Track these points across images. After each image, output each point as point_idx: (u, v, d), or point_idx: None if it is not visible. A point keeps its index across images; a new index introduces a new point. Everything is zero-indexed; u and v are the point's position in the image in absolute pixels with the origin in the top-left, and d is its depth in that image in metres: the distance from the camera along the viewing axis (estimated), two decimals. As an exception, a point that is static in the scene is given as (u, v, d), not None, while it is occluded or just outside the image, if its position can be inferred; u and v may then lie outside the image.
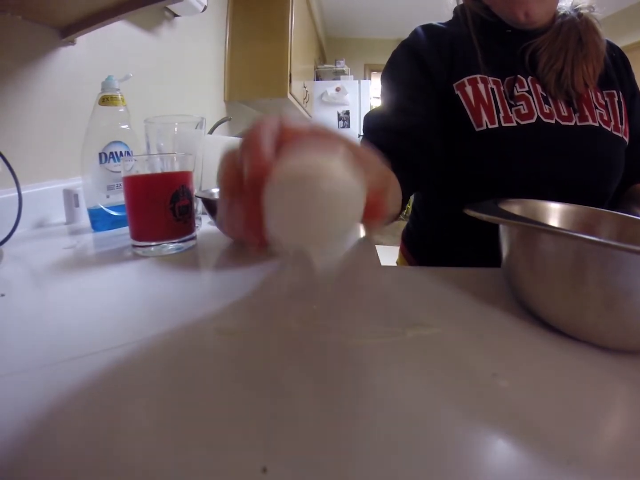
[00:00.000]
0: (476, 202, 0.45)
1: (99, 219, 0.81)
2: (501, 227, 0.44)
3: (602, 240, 0.30)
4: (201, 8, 1.89)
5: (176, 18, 1.90)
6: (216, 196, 0.73)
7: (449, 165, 0.79)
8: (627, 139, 0.77)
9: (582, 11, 0.82)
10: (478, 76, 0.79)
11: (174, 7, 1.78)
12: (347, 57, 5.39)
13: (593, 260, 0.33)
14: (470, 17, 0.86)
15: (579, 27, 0.80)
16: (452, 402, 0.28)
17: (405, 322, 0.40)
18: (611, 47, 0.85)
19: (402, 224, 1.15)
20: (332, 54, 5.77)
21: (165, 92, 1.83)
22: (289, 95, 2.59)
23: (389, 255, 1.06)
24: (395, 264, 1.12)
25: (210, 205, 0.66)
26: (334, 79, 4.75)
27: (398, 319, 0.41)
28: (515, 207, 0.51)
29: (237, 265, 0.58)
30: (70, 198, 0.90)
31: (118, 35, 1.38)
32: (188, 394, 0.29)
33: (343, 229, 0.28)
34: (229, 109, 2.58)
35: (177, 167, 0.65)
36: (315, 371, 0.32)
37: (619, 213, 0.53)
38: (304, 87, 3.28)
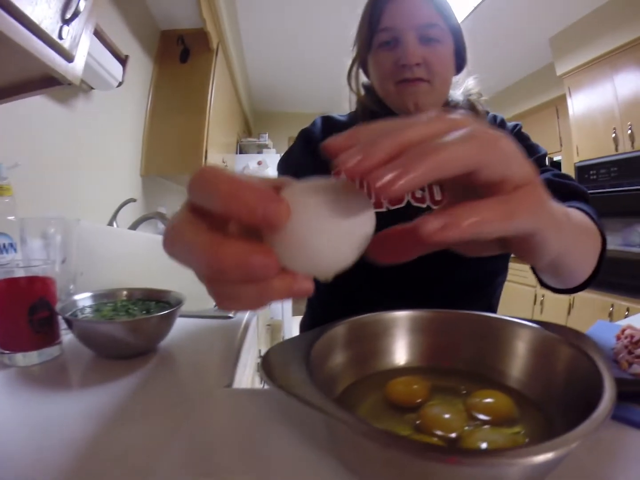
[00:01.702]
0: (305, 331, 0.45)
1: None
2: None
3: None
4: (115, 84, 1.90)
5: (93, 90, 1.89)
6: (79, 304, 0.72)
7: None
8: None
9: (470, 97, 0.89)
10: None
11: (89, 81, 1.78)
12: (272, 131, 5.54)
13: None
14: (360, 111, 0.93)
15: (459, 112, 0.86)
16: None
17: (196, 470, 0.38)
18: (492, 124, 0.90)
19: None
20: (258, 127, 5.93)
21: (79, 166, 1.79)
22: (204, 172, 2.59)
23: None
24: None
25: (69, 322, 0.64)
26: (258, 153, 4.85)
27: (193, 464, 0.38)
28: (340, 329, 0.48)
29: (103, 380, 0.57)
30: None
31: (30, 106, 1.35)
32: None
33: (364, 241, 0.28)
34: (145, 184, 2.55)
35: (40, 273, 0.63)
36: None
37: (479, 313, 0.52)
38: (223, 161, 3.32)
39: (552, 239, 0.32)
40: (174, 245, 0.27)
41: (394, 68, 0.81)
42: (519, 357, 0.46)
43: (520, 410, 0.41)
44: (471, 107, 0.88)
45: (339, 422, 0.28)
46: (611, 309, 2.90)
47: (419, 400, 0.43)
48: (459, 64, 0.91)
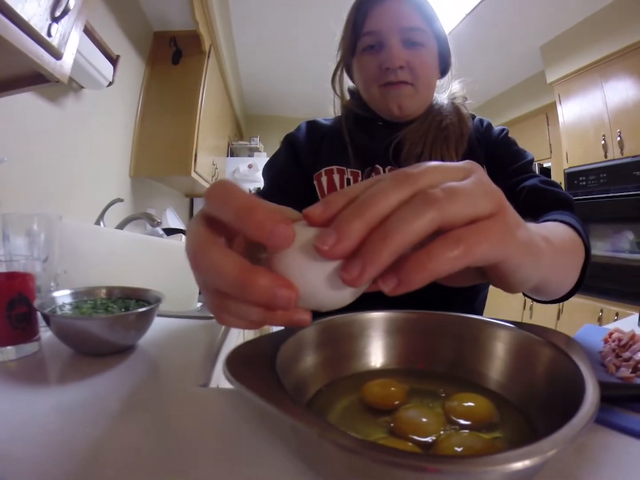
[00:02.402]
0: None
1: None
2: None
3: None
4: (106, 83, 1.88)
5: (84, 90, 1.87)
6: (59, 301, 0.71)
7: None
8: None
9: (454, 101, 0.90)
10: (335, 167, 0.86)
11: (79, 79, 1.76)
12: (264, 134, 5.53)
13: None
14: (344, 114, 0.94)
15: (443, 114, 0.86)
16: None
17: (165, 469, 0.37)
18: (478, 127, 0.91)
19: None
20: (250, 130, 5.91)
21: (68, 165, 1.78)
22: (194, 174, 2.60)
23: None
24: None
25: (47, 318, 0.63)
26: (249, 156, 4.83)
27: (161, 463, 0.37)
28: (311, 330, 0.46)
29: (79, 377, 0.57)
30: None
31: (19, 103, 1.35)
32: None
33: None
34: (134, 185, 2.54)
35: (20, 269, 0.63)
36: None
37: (457, 314, 0.50)
38: (213, 164, 3.31)
39: (527, 266, 0.32)
40: (200, 265, 0.30)
41: (378, 72, 0.82)
42: (498, 359, 0.45)
43: (501, 413, 0.39)
44: (456, 110, 0.88)
45: (303, 426, 0.26)
46: (600, 313, 2.90)
47: (396, 403, 0.41)
48: (443, 68, 0.92)
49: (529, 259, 0.32)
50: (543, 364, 0.40)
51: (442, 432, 0.36)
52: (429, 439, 0.35)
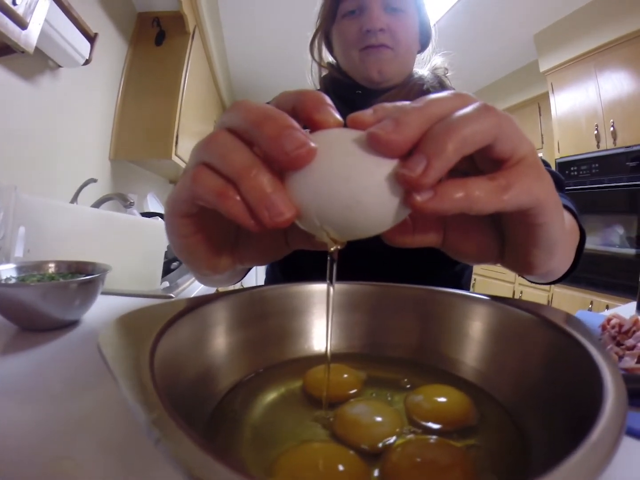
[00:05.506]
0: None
1: None
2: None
3: None
4: (82, 61, 1.81)
5: (61, 68, 1.80)
6: (3, 274, 0.68)
7: None
8: None
9: (435, 71, 0.89)
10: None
11: (53, 55, 1.69)
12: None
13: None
14: (322, 84, 0.95)
15: (424, 81, 0.85)
16: None
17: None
18: None
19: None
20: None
21: (43, 145, 1.72)
22: (174, 157, 2.52)
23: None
24: None
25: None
26: (236, 142, 4.77)
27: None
28: (229, 302, 0.36)
29: (18, 350, 0.55)
30: None
31: None
32: None
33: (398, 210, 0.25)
34: (114, 168, 2.46)
35: None
36: None
37: (426, 287, 0.41)
38: (197, 149, 3.23)
39: (555, 229, 0.29)
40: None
41: (359, 35, 0.81)
42: (479, 343, 0.36)
43: (480, 413, 0.31)
44: (437, 79, 0.87)
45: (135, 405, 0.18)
46: (590, 305, 2.89)
47: (351, 392, 0.33)
48: (424, 42, 0.91)
49: (559, 218, 0.29)
50: (540, 349, 0.31)
51: (392, 440, 0.27)
52: (380, 446, 0.26)
